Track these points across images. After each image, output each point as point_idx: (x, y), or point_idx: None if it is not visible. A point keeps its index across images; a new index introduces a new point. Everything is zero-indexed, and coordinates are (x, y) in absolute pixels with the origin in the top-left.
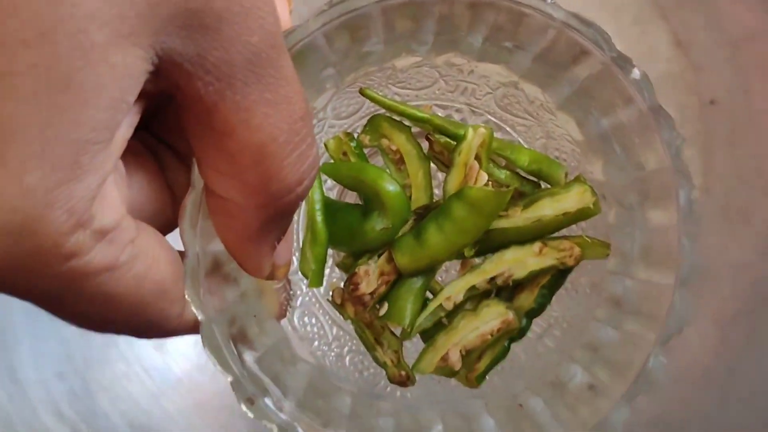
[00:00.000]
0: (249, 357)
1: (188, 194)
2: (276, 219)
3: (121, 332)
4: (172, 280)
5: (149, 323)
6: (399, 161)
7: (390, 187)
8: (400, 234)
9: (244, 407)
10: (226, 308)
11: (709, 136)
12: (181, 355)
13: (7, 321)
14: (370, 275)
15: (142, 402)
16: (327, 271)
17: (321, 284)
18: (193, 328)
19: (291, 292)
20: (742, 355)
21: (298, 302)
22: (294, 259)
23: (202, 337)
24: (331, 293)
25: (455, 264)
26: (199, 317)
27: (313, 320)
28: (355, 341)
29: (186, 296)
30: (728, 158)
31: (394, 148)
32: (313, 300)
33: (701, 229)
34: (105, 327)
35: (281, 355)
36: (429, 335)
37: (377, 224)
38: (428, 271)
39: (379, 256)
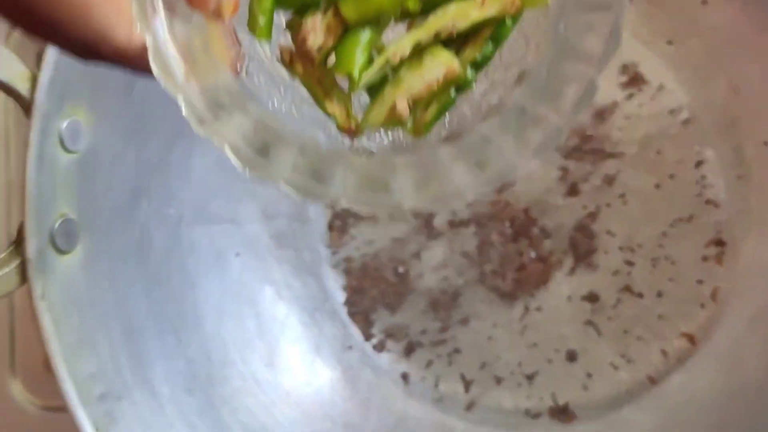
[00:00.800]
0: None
1: None
2: None
3: (66, 43)
4: None
5: (95, 34)
6: None
7: None
8: None
9: (193, 125)
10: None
11: None
12: (289, 371)
13: (141, 345)
14: (317, 29)
15: (257, 413)
16: (276, 35)
17: (269, 36)
18: (142, 56)
19: (241, 52)
20: None
21: (247, 65)
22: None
23: (151, 62)
24: (279, 52)
25: (402, 29)
26: (147, 40)
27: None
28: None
29: (133, 12)
30: None
31: None
32: (262, 66)
33: None
34: (49, 31)
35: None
36: (376, 91)
37: None
38: (375, 23)
39: (325, 11)
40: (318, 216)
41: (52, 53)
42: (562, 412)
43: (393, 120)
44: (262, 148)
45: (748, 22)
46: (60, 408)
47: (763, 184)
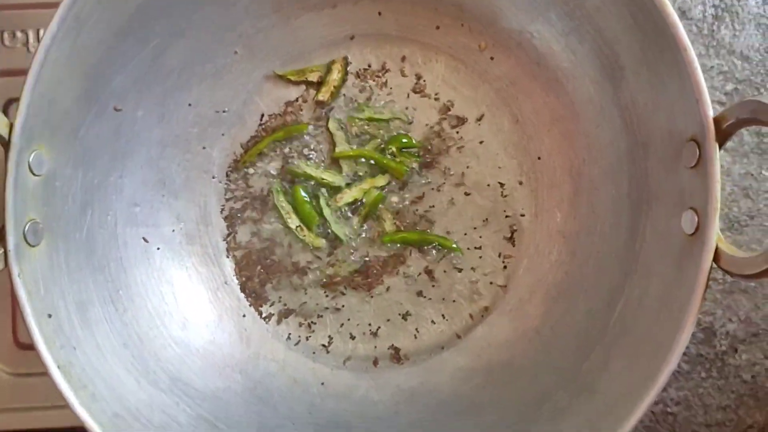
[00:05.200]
0: None
1: None
2: None
3: None
4: None
5: None
6: None
7: None
8: None
9: None
10: None
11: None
12: (198, 333)
13: (89, 311)
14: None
15: (175, 363)
16: None
17: None
18: None
19: None
20: None
21: None
22: None
23: None
24: None
25: None
26: None
27: None
28: None
29: None
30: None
31: None
32: None
33: None
34: None
35: None
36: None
37: None
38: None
39: None
40: (218, 220)
41: (23, 106)
42: (398, 356)
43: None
44: None
45: (522, 71)
46: (28, 374)
47: (537, 188)
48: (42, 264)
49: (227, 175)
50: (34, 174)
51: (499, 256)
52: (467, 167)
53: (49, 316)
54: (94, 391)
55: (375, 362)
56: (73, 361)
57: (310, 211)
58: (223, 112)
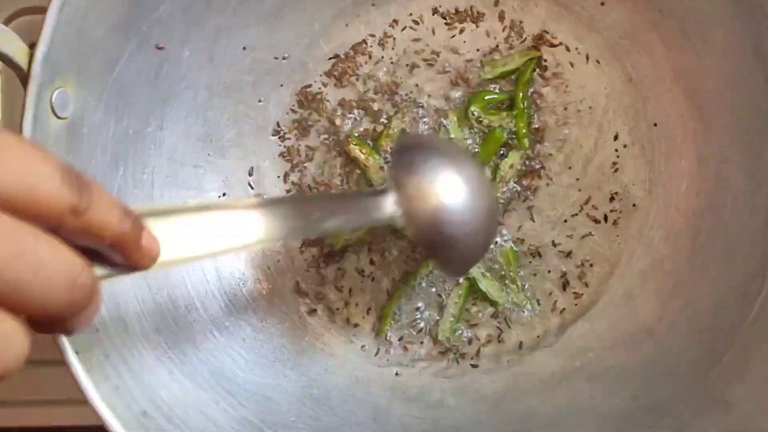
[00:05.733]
0: None
1: None
2: None
3: None
4: None
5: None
6: None
7: None
8: None
9: None
10: None
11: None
12: (245, 320)
13: (116, 287)
14: None
15: (215, 353)
16: None
17: None
18: None
19: None
20: None
21: None
22: None
23: None
24: None
25: None
26: None
27: None
28: None
29: None
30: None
31: None
32: None
33: None
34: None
35: None
36: None
37: None
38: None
39: None
40: (272, 186)
41: (46, 32)
42: (479, 355)
43: None
44: None
45: (639, 20)
46: (41, 362)
47: (653, 159)
48: None
49: (283, 135)
50: (57, 116)
51: (604, 238)
52: (567, 133)
53: None
54: (118, 383)
55: (452, 362)
56: (94, 345)
57: None
58: (283, 58)
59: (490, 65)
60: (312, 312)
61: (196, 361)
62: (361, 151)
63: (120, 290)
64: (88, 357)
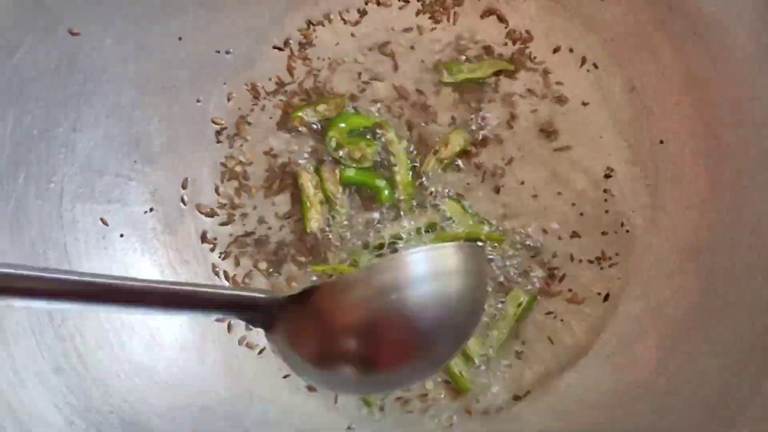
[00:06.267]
0: None
1: None
2: None
3: None
4: None
5: None
6: None
7: None
8: None
9: None
10: None
11: None
12: (169, 358)
13: (8, 317)
14: None
15: (131, 400)
16: None
17: None
18: None
19: None
20: None
21: None
22: None
23: None
24: None
25: None
26: None
27: None
28: None
29: None
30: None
31: None
32: None
33: None
34: None
35: None
36: None
37: None
38: None
39: None
40: (210, 200)
41: None
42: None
43: None
44: None
45: (645, 18)
46: None
47: (657, 182)
48: None
49: (225, 140)
50: None
51: (597, 274)
52: (559, 149)
53: None
54: None
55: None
56: None
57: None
58: (227, 53)
59: (452, 68)
60: (259, 352)
61: (105, 407)
62: (310, 182)
63: (10, 323)
64: None
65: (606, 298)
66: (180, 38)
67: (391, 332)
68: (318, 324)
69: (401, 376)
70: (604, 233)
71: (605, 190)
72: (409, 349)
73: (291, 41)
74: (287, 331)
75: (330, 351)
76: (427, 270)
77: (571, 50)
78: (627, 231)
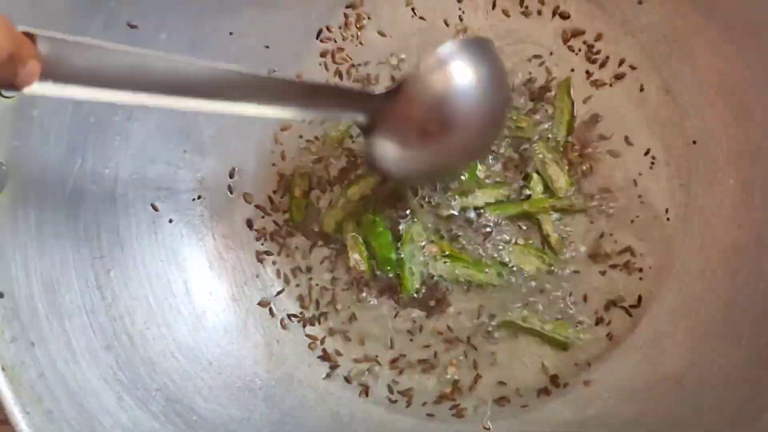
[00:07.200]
0: None
1: None
2: None
3: None
4: None
5: None
6: None
7: None
8: None
9: None
10: None
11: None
12: (213, 340)
13: (61, 296)
14: None
15: (176, 378)
16: None
17: None
18: None
19: None
20: None
21: None
22: None
23: None
24: None
25: None
26: None
27: None
28: None
29: None
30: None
31: None
32: None
33: None
34: None
35: None
36: None
37: None
38: None
39: None
40: (257, 191)
41: None
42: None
43: None
44: None
45: (682, 21)
46: None
47: (689, 181)
48: (1, 220)
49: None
50: (1, 95)
51: (628, 270)
52: (592, 149)
53: (1, 295)
54: (52, 407)
55: (440, 401)
56: (27, 361)
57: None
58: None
59: None
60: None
61: (152, 385)
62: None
63: (65, 301)
64: (18, 374)
65: (637, 294)
66: (231, 33)
67: (463, 107)
68: (413, 107)
69: (472, 151)
70: (637, 229)
71: (638, 186)
72: (476, 124)
73: (336, 39)
74: (388, 121)
75: (424, 130)
76: (477, 54)
77: (607, 57)
78: (660, 228)
